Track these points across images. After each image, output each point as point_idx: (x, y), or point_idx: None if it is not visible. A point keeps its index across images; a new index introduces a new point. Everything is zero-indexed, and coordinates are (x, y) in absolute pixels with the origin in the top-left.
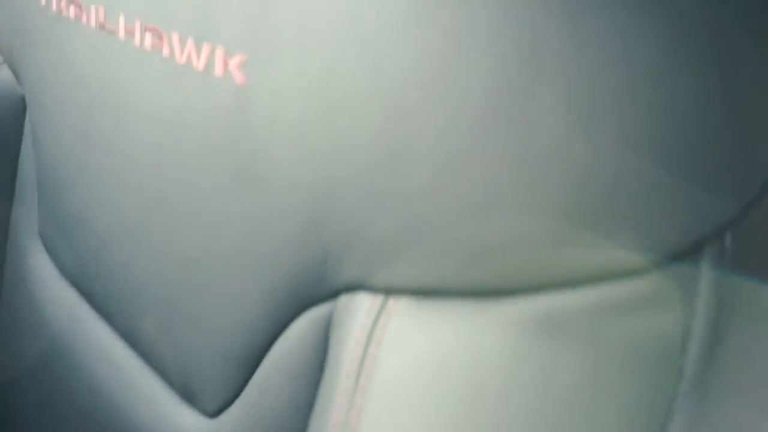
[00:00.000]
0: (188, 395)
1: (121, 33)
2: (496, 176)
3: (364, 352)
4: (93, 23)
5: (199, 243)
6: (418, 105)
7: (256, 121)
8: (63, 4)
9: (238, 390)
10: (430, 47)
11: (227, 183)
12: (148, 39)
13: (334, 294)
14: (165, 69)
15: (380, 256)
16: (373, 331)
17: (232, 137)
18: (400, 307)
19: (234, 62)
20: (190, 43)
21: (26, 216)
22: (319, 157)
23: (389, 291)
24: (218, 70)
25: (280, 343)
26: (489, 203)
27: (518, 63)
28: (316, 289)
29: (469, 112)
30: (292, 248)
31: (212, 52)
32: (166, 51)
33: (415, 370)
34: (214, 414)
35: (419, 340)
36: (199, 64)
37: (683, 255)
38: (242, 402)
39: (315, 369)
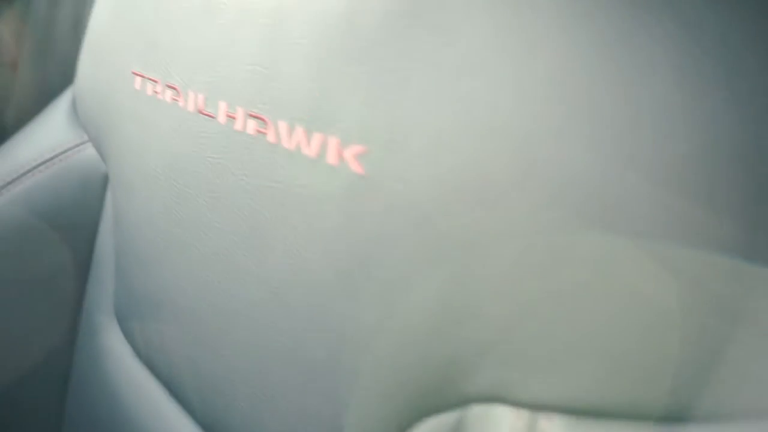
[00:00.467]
0: None
1: (222, 118)
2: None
3: None
4: (191, 107)
5: (303, 336)
6: (573, 201)
7: (374, 209)
8: (159, 88)
9: None
10: (584, 143)
11: (339, 272)
12: (252, 125)
13: (462, 402)
14: (270, 153)
15: (526, 368)
16: None
17: (347, 224)
18: (555, 428)
19: (350, 152)
20: (299, 132)
21: (101, 294)
22: (450, 252)
23: (537, 407)
24: (331, 158)
25: None
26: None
27: None
28: (442, 395)
29: (624, 217)
30: (416, 348)
31: (325, 142)
32: (271, 137)
33: None
34: None
35: None
36: (311, 151)
37: None
38: None
39: None
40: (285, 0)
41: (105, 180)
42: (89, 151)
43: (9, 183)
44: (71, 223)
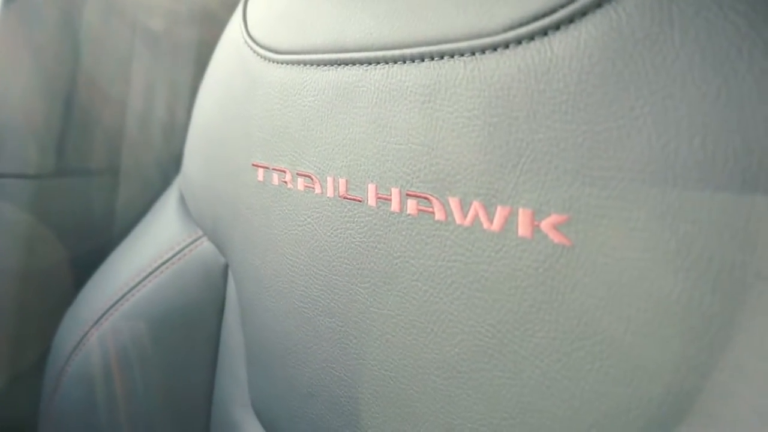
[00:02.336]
0: None
1: (371, 201)
2: None
3: None
4: (330, 193)
5: (512, 418)
6: None
7: (584, 281)
8: (288, 177)
9: None
10: None
11: (542, 352)
12: (412, 204)
13: None
14: (439, 232)
15: None
16: None
17: (554, 297)
18: None
19: (549, 223)
20: (475, 206)
21: (233, 386)
22: (707, 311)
23: None
24: (523, 231)
25: None
26: None
27: None
28: None
29: None
30: (663, 427)
31: (513, 214)
32: (439, 215)
33: None
34: None
35: None
36: (493, 225)
37: None
38: None
39: None
40: (441, 74)
41: (224, 271)
42: (206, 245)
43: (133, 287)
44: (196, 318)
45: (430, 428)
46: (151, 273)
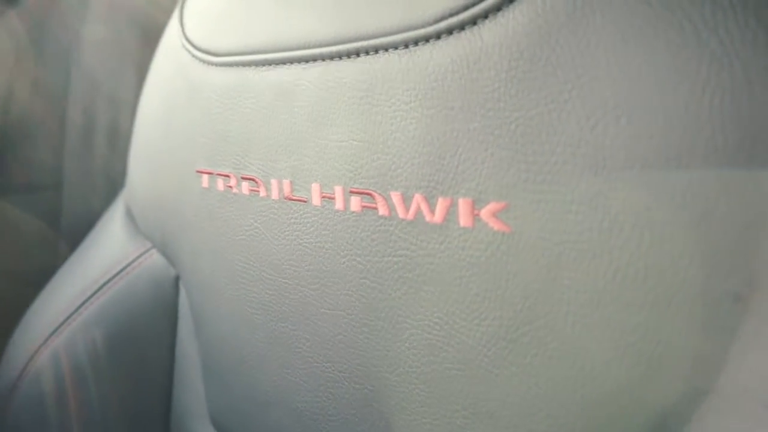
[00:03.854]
0: None
1: (316, 200)
2: None
3: None
4: (275, 196)
5: (464, 410)
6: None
7: (527, 267)
8: (232, 182)
9: None
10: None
11: (490, 340)
12: (355, 201)
13: None
14: (383, 227)
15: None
16: None
17: (497, 284)
18: None
19: (488, 210)
20: (417, 199)
21: (190, 399)
22: (639, 293)
23: None
24: (464, 221)
25: None
26: None
27: None
28: None
29: None
30: (610, 407)
31: (453, 205)
32: (382, 210)
33: None
34: None
35: None
36: (435, 217)
37: None
38: None
39: None
40: (377, 68)
41: (175, 283)
42: (155, 257)
43: (81, 304)
44: (149, 332)
45: (387, 427)
46: (99, 289)
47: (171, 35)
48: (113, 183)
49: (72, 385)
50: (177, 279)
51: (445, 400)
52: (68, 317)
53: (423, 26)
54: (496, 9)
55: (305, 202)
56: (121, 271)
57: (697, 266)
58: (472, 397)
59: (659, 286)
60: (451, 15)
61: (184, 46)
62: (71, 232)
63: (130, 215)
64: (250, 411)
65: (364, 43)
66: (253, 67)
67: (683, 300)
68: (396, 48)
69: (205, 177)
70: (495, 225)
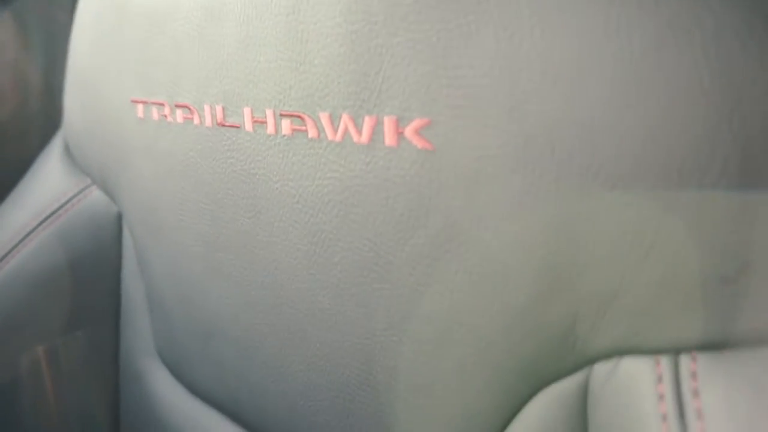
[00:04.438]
0: None
1: (248, 125)
2: None
3: (681, 424)
4: (209, 122)
5: (389, 332)
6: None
7: (449, 182)
8: (166, 110)
9: None
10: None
11: (422, 254)
12: (286, 124)
13: (583, 364)
14: (313, 150)
15: (659, 311)
16: (682, 403)
17: (421, 203)
18: (707, 365)
19: (412, 128)
20: (345, 120)
21: (137, 338)
22: (549, 211)
23: (677, 350)
24: (390, 140)
25: (511, 430)
26: None
27: None
28: (560, 361)
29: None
30: (526, 319)
31: (378, 124)
32: (312, 133)
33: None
34: None
35: (753, 402)
36: (362, 138)
37: None
38: None
39: None
40: None
41: (118, 220)
42: (95, 194)
43: (18, 243)
44: (91, 272)
45: (321, 349)
46: (35, 228)
47: None
48: (49, 127)
49: (13, 332)
50: (119, 217)
51: (373, 318)
52: (5, 256)
53: None
54: None
55: (238, 127)
56: (59, 209)
57: (610, 178)
58: (399, 315)
59: (569, 201)
60: None
61: None
62: (5, 179)
63: (68, 151)
64: (193, 344)
65: None
66: None
67: (593, 209)
68: None
69: (140, 106)
70: (418, 143)
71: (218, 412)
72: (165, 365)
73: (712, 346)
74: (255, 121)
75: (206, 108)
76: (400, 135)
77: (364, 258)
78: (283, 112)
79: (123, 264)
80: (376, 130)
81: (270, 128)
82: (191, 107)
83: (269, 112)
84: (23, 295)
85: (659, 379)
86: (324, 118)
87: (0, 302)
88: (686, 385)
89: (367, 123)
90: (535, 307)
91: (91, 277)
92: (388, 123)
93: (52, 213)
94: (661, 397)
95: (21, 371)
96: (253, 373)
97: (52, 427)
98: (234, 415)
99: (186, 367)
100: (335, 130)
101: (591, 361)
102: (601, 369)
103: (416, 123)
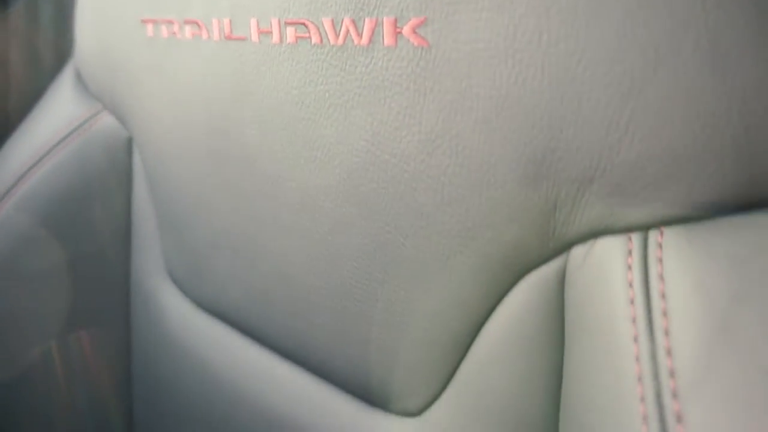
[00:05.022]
0: (380, 400)
1: (254, 36)
2: None
3: (646, 292)
4: (216, 36)
5: (386, 228)
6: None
7: (445, 78)
8: (176, 27)
9: (446, 380)
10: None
11: (420, 147)
12: (290, 33)
13: (562, 249)
14: (315, 56)
15: (632, 190)
16: (647, 270)
17: (418, 100)
18: (671, 237)
19: (409, 27)
20: (346, 24)
21: (148, 259)
22: (533, 99)
23: (647, 226)
24: (388, 40)
25: (495, 318)
26: None
27: None
28: (540, 247)
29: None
30: (510, 206)
31: (378, 25)
32: (315, 39)
33: (716, 296)
34: (419, 412)
35: (708, 265)
36: (362, 40)
37: None
38: (453, 391)
39: (542, 334)
40: None
41: (128, 144)
42: (106, 119)
43: (31, 167)
44: (102, 195)
45: (321, 251)
46: (48, 152)
47: None
48: (61, 56)
49: (25, 252)
50: (130, 141)
51: (371, 219)
52: (15, 183)
53: None
54: None
55: (245, 39)
56: (71, 133)
57: (592, 63)
58: (394, 214)
59: (552, 88)
60: None
61: None
62: (20, 108)
63: (79, 78)
64: (200, 257)
65: None
66: None
67: (574, 95)
68: None
69: (150, 26)
70: (415, 41)
71: (224, 324)
72: (174, 283)
73: (681, 220)
74: (261, 32)
75: (214, 22)
76: (398, 34)
77: (363, 159)
78: (288, 20)
79: (133, 187)
80: (376, 32)
81: (275, 37)
82: (200, 22)
83: (274, 21)
84: (36, 218)
85: (629, 253)
86: (327, 23)
87: (15, 223)
88: (652, 256)
89: (368, 25)
90: (519, 194)
91: (102, 200)
92: (387, 24)
93: (65, 137)
94: (629, 267)
95: (36, 285)
96: (258, 280)
97: (65, 342)
98: (239, 325)
99: (194, 282)
100: (337, 35)
101: (569, 245)
102: (577, 252)
103: (413, 22)
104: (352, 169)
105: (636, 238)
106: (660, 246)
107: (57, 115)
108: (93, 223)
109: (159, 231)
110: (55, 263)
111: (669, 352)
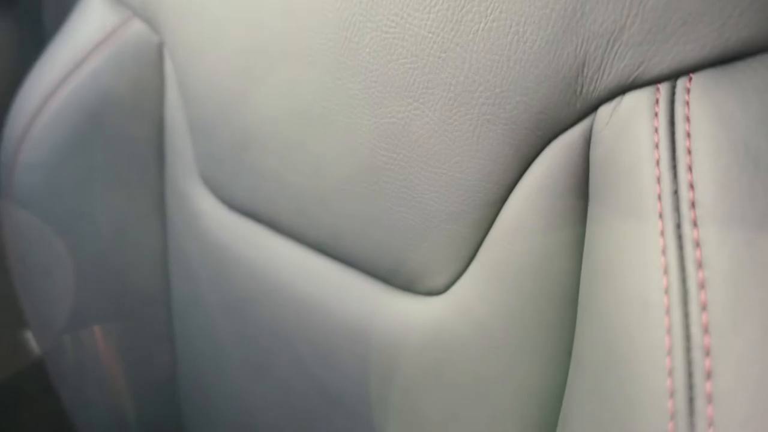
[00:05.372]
0: (406, 282)
1: None
2: None
3: (671, 134)
4: None
5: (412, 101)
6: None
7: (475, 32)
8: None
9: (470, 255)
10: None
11: (446, 17)
12: None
13: (589, 109)
14: None
15: (663, 35)
16: (673, 113)
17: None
18: (700, 81)
19: None
20: None
21: (181, 163)
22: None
23: (676, 74)
24: None
25: (520, 188)
26: None
27: None
28: (568, 108)
29: None
30: (539, 67)
31: None
32: None
33: (741, 128)
34: (444, 289)
35: (735, 101)
36: None
37: None
38: (477, 266)
39: (567, 202)
40: None
41: (159, 50)
42: (137, 25)
43: (67, 76)
44: (136, 100)
45: (352, 138)
46: (82, 60)
47: None
48: None
49: (66, 153)
50: (161, 46)
51: (399, 95)
52: (54, 90)
53: None
54: None
55: None
56: (104, 41)
57: None
58: (422, 89)
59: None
60: None
61: None
62: (53, 16)
63: None
64: (232, 157)
65: None
66: None
67: None
68: None
69: None
70: None
71: (256, 223)
72: (206, 185)
73: (711, 64)
74: None
75: None
76: None
77: (392, 35)
78: None
79: (166, 92)
80: None
81: None
82: None
83: None
84: (72, 127)
85: (656, 102)
86: None
87: (52, 133)
88: (680, 100)
89: None
90: (548, 53)
91: (136, 106)
92: None
93: (97, 45)
94: (655, 114)
95: (75, 188)
96: (289, 174)
97: (101, 249)
98: (271, 222)
99: (226, 182)
100: None
101: (596, 105)
102: (604, 111)
103: None
104: (382, 46)
105: (664, 87)
106: (688, 91)
107: (89, 24)
108: (127, 130)
109: (191, 134)
110: (91, 168)
111: (691, 186)
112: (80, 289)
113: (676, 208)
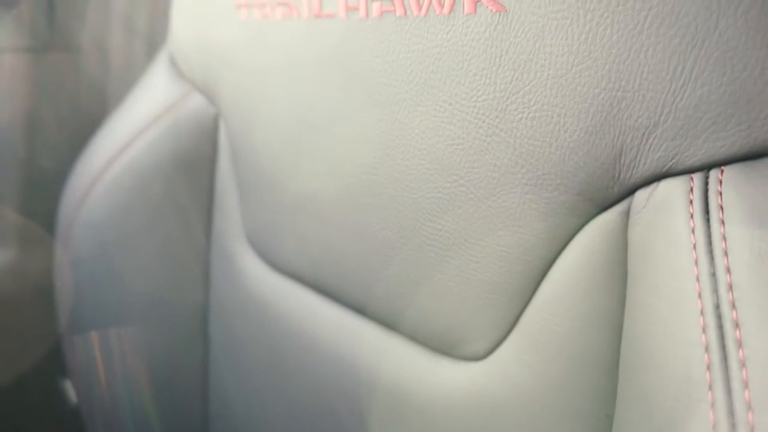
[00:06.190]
0: (447, 347)
1: (342, 13)
2: None
3: (706, 220)
4: (305, 15)
5: (460, 179)
6: None
7: (519, 41)
8: (268, 10)
9: (511, 324)
10: None
11: (492, 106)
12: (376, 7)
13: (626, 193)
14: (399, 27)
15: (694, 132)
16: (707, 201)
17: (491, 62)
18: (731, 174)
19: None
20: None
21: (228, 225)
22: (605, 47)
23: (708, 166)
24: (468, 7)
25: (560, 262)
26: None
27: None
28: (606, 192)
29: None
30: (578, 155)
31: None
32: (399, 11)
33: None
34: (485, 356)
35: (766, 195)
36: (444, 9)
37: None
38: (518, 334)
39: (606, 276)
40: None
41: (215, 121)
42: (197, 98)
43: (129, 142)
44: (191, 166)
45: (398, 208)
46: (144, 129)
47: None
48: (156, 45)
49: (123, 214)
50: (217, 117)
51: (445, 172)
52: (116, 156)
53: None
54: None
55: (333, 16)
56: (165, 112)
57: (659, 17)
58: (468, 168)
59: (620, 41)
60: None
61: None
62: (117, 89)
63: (173, 62)
64: (279, 221)
65: None
66: None
67: (641, 47)
68: None
69: (244, 10)
70: (493, 7)
71: (300, 284)
72: (252, 247)
73: (740, 159)
74: (349, 8)
75: (304, 2)
76: (477, 2)
77: (440, 119)
78: None
79: (218, 159)
80: (457, 1)
81: (362, 12)
82: (290, 4)
83: None
84: (131, 190)
85: (690, 190)
86: None
87: (113, 195)
88: (713, 189)
89: None
90: (587, 142)
91: (191, 172)
92: None
93: (160, 116)
94: (690, 201)
95: (129, 249)
96: (334, 238)
97: (146, 305)
98: (313, 283)
99: (272, 245)
100: (420, 6)
101: (633, 189)
102: (641, 195)
103: None
104: (430, 127)
105: (697, 177)
106: (720, 182)
107: (152, 96)
108: (180, 194)
109: (240, 199)
110: (141, 229)
111: (728, 270)
112: (120, 338)
113: (715, 290)
